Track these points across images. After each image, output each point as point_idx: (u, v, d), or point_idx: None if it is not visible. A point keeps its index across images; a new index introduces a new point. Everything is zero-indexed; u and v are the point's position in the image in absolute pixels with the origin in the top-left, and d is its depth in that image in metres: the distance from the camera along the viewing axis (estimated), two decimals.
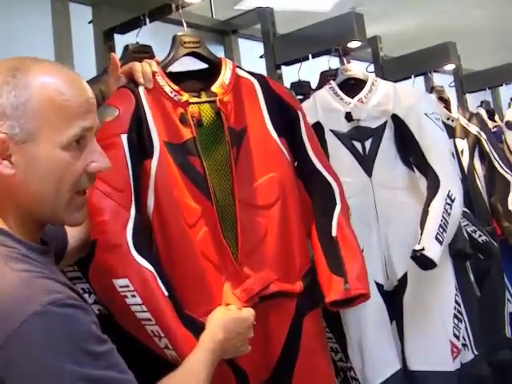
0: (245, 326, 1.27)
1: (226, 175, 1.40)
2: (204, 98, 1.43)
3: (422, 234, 1.71)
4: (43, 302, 0.83)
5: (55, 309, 0.84)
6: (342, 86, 1.96)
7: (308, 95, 2.09)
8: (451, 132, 2.33)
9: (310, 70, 2.23)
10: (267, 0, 2.24)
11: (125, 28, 1.60)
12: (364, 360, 1.74)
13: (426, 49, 2.54)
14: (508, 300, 2.52)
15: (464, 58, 2.82)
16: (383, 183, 1.86)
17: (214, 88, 1.43)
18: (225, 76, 1.45)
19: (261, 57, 2.18)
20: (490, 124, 2.85)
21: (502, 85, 3.02)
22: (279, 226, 1.42)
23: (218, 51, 1.48)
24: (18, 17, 2.03)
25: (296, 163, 1.52)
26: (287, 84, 2.25)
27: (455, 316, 1.85)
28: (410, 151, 1.87)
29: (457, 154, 2.33)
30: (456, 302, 1.86)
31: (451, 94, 2.70)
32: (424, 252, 1.66)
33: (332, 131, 1.88)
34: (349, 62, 2.27)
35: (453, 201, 1.76)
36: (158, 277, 1.22)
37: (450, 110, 2.46)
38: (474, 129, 2.52)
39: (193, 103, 1.41)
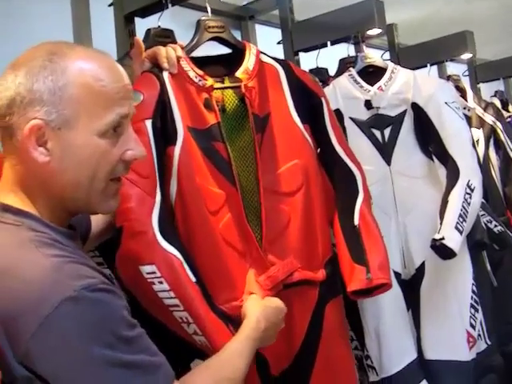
0: (281, 316, 1.26)
1: (250, 161, 1.39)
2: (227, 83, 1.41)
3: (441, 223, 1.71)
4: (76, 287, 0.83)
5: (88, 294, 0.83)
6: (360, 73, 1.95)
7: (326, 82, 2.08)
8: (467, 121, 2.32)
9: (327, 56, 2.21)
10: None
11: (146, 11, 1.58)
12: (381, 348, 1.74)
13: (443, 37, 2.52)
14: None
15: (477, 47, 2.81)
16: (402, 172, 1.86)
17: (239, 74, 1.41)
18: (249, 62, 1.43)
19: (278, 43, 2.16)
20: (504, 114, 2.84)
21: None
22: (302, 214, 1.41)
23: (235, 36, 1.47)
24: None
25: (319, 150, 1.51)
26: None
27: (472, 306, 1.85)
28: (430, 140, 1.86)
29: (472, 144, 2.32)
30: (473, 291, 1.86)
31: (466, 84, 2.68)
32: (444, 241, 1.66)
33: (351, 119, 1.87)
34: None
35: (472, 190, 1.75)
36: (185, 263, 1.22)
37: (465, 99, 2.45)
38: (489, 118, 2.51)
39: (216, 88, 1.39)
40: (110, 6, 1.71)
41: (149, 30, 1.54)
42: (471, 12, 3.42)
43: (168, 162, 1.32)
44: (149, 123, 1.30)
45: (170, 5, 1.55)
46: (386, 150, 1.87)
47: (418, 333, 1.84)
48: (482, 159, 2.43)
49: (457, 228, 1.69)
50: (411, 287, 1.84)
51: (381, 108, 1.88)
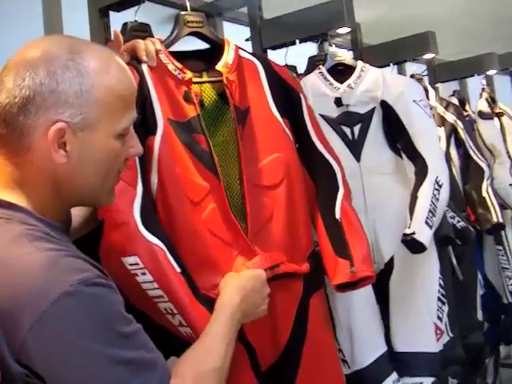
0: (260, 281, 1.25)
1: (231, 154, 1.39)
2: (205, 78, 1.41)
3: (411, 218, 1.75)
4: (73, 282, 0.82)
5: (85, 288, 0.83)
6: (330, 71, 1.97)
7: None
8: None
9: (295, 54, 2.23)
10: None
11: (121, 5, 1.57)
12: (353, 342, 1.76)
13: (406, 37, 2.56)
14: (479, 284, 2.60)
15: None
16: (371, 168, 1.89)
17: (219, 67, 1.41)
18: (228, 56, 1.44)
19: (247, 40, 2.17)
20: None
21: (473, 75, 3.08)
22: (285, 207, 1.41)
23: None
24: None
25: (298, 145, 1.52)
26: None
27: (439, 299, 1.91)
28: (398, 137, 1.90)
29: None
30: (440, 285, 1.92)
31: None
32: (415, 236, 1.70)
33: (321, 116, 1.88)
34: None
35: (440, 186, 1.80)
36: (168, 253, 1.21)
37: (428, 98, 2.50)
38: (450, 117, 2.57)
39: (195, 83, 1.39)
40: None
41: (125, 23, 1.53)
42: (430, 13, 3.51)
43: (148, 152, 1.31)
44: None
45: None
46: (355, 147, 1.89)
47: (386, 326, 1.88)
48: None
49: (427, 223, 1.73)
50: (380, 282, 1.87)
51: (350, 105, 1.90)
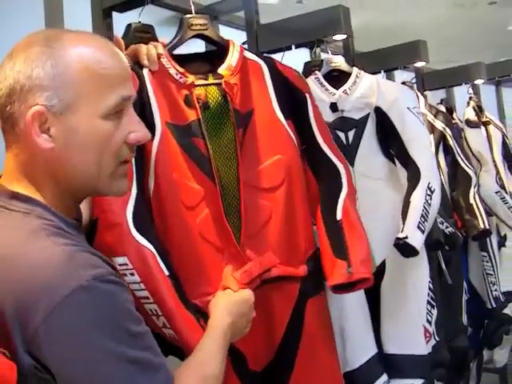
0: (247, 306, 1.27)
1: (231, 157, 1.41)
2: (211, 80, 1.42)
3: (404, 222, 1.78)
4: (88, 277, 0.83)
5: (99, 284, 0.84)
6: (325, 76, 2.00)
7: None
8: None
9: (289, 59, 2.26)
10: None
11: (125, 6, 1.58)
12: (345, 343, 1.79)
13: (397, 45, 2.60)
14: (464, 289, 2.64)
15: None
16: (364, 173, 1.92)
17: (221, 70, 1.43)
18: (232, 58, 1.45)
19: (243, 43, 2.19)
20: None
21: (461, 84, 3.14)
22: (284, 209, 1.43)
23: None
24: None
25: (303, 146, 1.53)
26: None
27: (428, 302, 1.95)
28: (392, 143, 1.94)
29: None
30: (429, 288, 1.96)
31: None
32: (407, 240, 1.74)
33: None
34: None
35: (433, 192, 1.84)
36: (157, 256, 1.23)
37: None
38: (439, 124, 2.62)
39: (199, 85, 1.40)
40: None
41: (129, 25, 1.54)
42: (418, 22, 3.57)
43: (146, 157, 1.32)
44: None
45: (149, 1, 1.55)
46: (349, 152, 1.92)
47: (376, 328, 1.91)
48: None
49: (419, 227, 1.77)
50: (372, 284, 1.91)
51: (345, 111, 1.94)
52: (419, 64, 2.61)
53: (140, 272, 1.20)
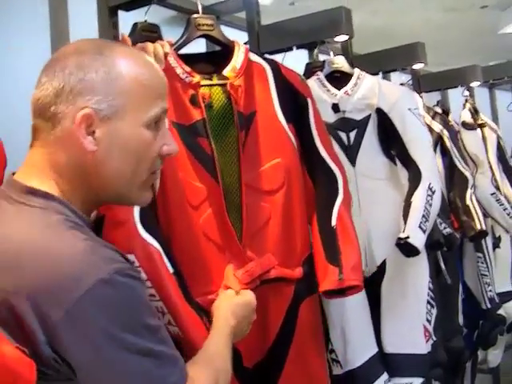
0: (250, 309, 1.29)
1: (233, 158, 1.42)
2: (215, 80, 1.44)
3: (405, 222, 1.80)
4: (110, 270, 0.85)
5: (120, 278, 0.86)
6: (327, 77, 2.01)
7: None
8: None
9: (289, 60, 2.27)
10: None
11: (131, 5, 1.59)
12: (346, 343, 1.80)
13: (395, 48, 2.62)
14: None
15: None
16: (365, 173, 1.94)
17: (226, 72, 1.44)
18: (237, 60, 1.46)
19: (245, 43, 2.20)
20: None
21: (457, 86, 3.16)
22: (282, 212, 1.45)
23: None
24: None
25: (302, 150, 1.55)
26: None
27: (428, 302, 1.97)
28: (393, 144, 1.95)
29: None
30: (429, 288, 1.98)
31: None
32: (409, 240, 1.75)
33: None
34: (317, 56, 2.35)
35: (433, 193, 1.86)
36: (163, 254, 1.24)
37: None
38: (437, 126, 2.63)
39: (204, 85, 1.42)
40: None
41: (136, 24, 1.55)
42: (413, 24, 3.59)
43: None
44: None
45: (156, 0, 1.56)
46: (351, 152, 1.94)
47: (376, 328, 1.93)
48: None
49: (420, 227, 1.79)
50: (372, 284, 1.93)
51: (347, 112, 1.95)
52: (417, 66, 2.63)
53: (146, 270, 1.21)
